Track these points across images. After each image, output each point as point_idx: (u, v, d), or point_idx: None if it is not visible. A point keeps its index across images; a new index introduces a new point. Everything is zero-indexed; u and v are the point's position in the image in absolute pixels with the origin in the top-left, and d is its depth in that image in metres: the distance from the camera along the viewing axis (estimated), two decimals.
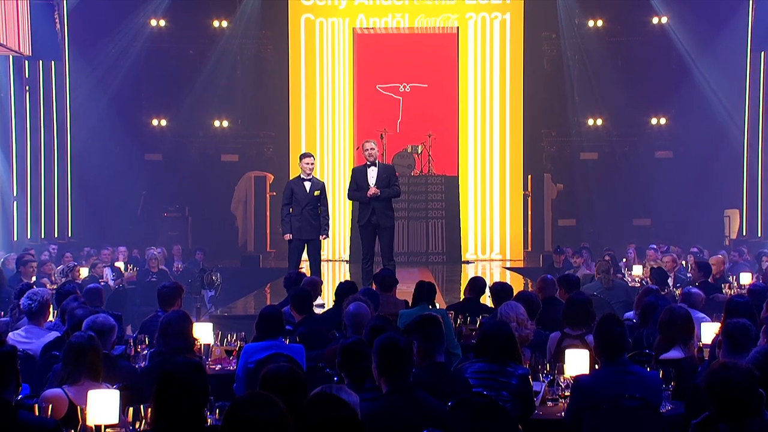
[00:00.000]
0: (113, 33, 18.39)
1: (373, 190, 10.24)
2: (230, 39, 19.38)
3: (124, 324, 8.09)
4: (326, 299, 9.89)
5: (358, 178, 10.50)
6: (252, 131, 19.97)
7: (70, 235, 17.26)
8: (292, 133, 19.18)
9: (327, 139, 19.16)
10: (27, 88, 16.26)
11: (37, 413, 4.18)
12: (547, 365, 5.44)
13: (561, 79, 19.40)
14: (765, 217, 16.75)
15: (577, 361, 5.35)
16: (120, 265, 13.59)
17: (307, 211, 10.52)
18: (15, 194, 15.91)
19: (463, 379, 4.92)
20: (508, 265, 17.54)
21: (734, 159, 17.40)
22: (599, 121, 19.50)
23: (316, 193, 10.60)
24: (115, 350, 5.65)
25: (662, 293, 8.52)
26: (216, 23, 19.52)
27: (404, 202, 15.93)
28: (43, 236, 16.39)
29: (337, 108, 19.18)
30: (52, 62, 16.68)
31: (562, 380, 5.34)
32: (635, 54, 19.23)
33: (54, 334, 6.39)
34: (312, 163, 10.73)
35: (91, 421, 4.31)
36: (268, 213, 18.84)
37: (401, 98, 18.80)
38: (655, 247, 14.39)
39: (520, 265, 17.43)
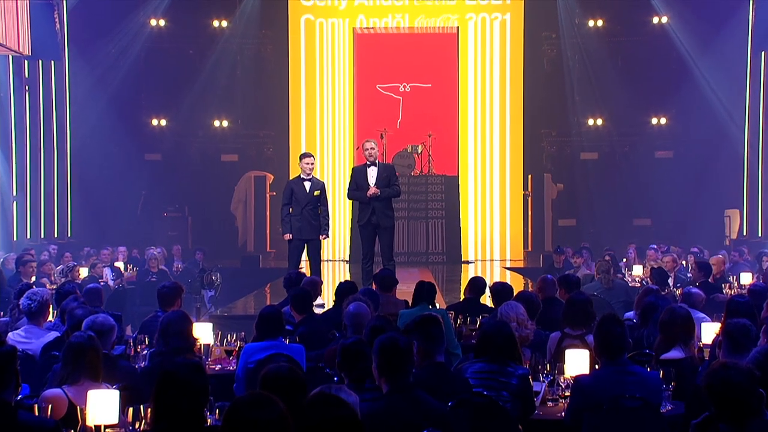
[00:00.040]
0: (113, 33, 18.38)
1: (372, 190, 10.24)
2: (230, 39, 19.38)
3: (123, 324, 8.08)
4: (326, 299, 9.88)
5: (358, 177, 10.49)
6: (252, 131, 19.96)
7: (69, 235, 17.25)
8: (292, 133, 19.17)
9: (327, 139, 19.16)
10: (26, 87, 16.25)
11: (36, 413, 4.17)
12: (548, 365, 5.44)
13: (561, 79, 19.39)
14: (765, 217, 16.74)
15: (577, 361, 5.35)
16: (120, 265, 13.58)
17: (307, 211, 10.51)
18: (14, 194, 15.90)
19: (463, 379, 4.91)
20: (508, 265, 17.53)
21: (734, 159, 17.39)
22: (599, 121, 19.50)
23: (316, 193, 10.59)
24: (115, 350, 5.65)
25: (662, 293, 8.52)
26: (216, 23, 19.52)
27: (404, 202, 15.92)
28: (42, 236, 16.38)
29: (337, 108, 19.17)
30: (52, 62, 16.68)
31: (562, 380, 5.34)
32: (635, 54, 19.23)
33: (54, 334, 6.39)
34: (312, 163, 10.72)
35: (90, 422, 4.30)
36: (268, 213, 18.83)
37: (401, 98, 18.80)
38: (655, 247, 14.38)
39: (520, 265, 17.42)
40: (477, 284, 8.07)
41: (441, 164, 17.34)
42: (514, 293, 7.33)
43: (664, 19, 18.64)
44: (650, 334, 6.41)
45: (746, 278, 10.60)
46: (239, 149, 19.98)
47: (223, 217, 19.57)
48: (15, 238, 15.70)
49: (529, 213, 19.00)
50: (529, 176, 19.04)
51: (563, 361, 5.44)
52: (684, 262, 13.04)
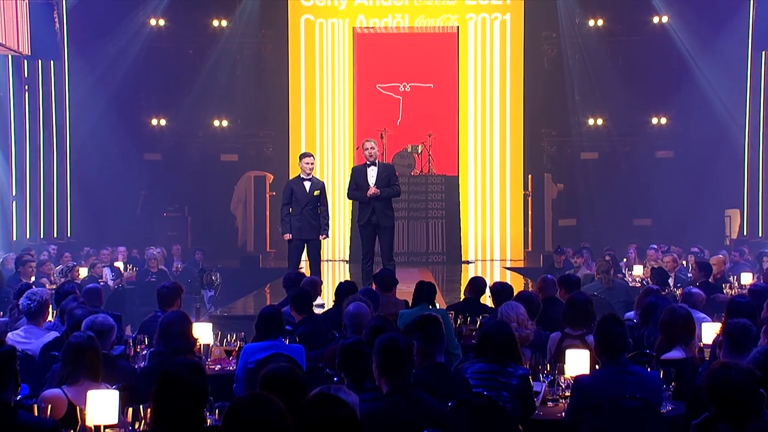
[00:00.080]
0: (113, 32, 18.36)
1: (372, 190, 10.23)
2: (230, 38, 19.37)
3: (123, 324, 8.08)
4: (326, 299, 9.87)
5: (357, 177, 10.48)
6: (252, 131, 19.96)
7: (69, 235, 17.23)
8: (291, 133, 19.17)
9: (327, 139, 19.16)
10: (26, 87, 16.24)
11: (36, 413, 4.16)
12: (548, 365, 5.44)
13: (561, 78, 19.39)
14: (766, 217, 16.72)
15: (577, 362, 5.34)
16: (119, 265, 13.58)
17: (306, 210, 10.50)
18: (14, 194, 15.89)
19: (463, 380, 4.91)
20: (508, 265, 17.52)
21: (735, 159, 17.38)
22: (600, 121, 19.49)
23: (316, 192, 10.58)
24: (115, 350, 5.64)
25: (663, 293, 8.51)
26: (215, 23, 19.51)
27: (404, 202, 15.92)
28: (42, 236, 16.37)
29: (337, 107, 19.17)
30: (51, 62, 16.66)
31: (562, 380, 5.34)
32: (636, 53, 19.23)
33: (53, 334, 6.38)
34: (312, 163, 10.72)
35: (90, 422, 4.30)
36: (267, 213, 18.83)
37: (401, 98, 18.80)
38: (655, 247, 14.37)
39: (521, 265, 17.41)
40: (477, 284, 8.06)
41: (441, 164, 17.34)
42: (515, 293, 7.32)
43: (665, 19, 18.64)
44: (651, 334, 6.41)
45: (747, 278, 10.59)
46: (239, 149, 19.98)
47: (222, 217, 19.57)
48: (14, 238, 15.69)
49: (530, 213, 19.00)
50: (530, 176, 19.03)
51: (563, 362, 5.43)
52: (684, 262, 13.03)
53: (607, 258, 12.64)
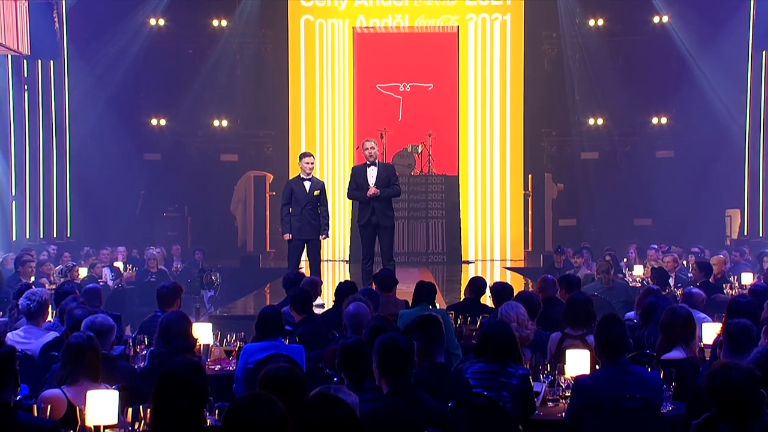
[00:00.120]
0: (112, 32, 18.35)
1: (372, 190, 10.22)
2: (230, 38, 19.37)
3: (123, 324, 8.08)
4: (326, 299, 9.86)
5: (357, 177, 10.48)
6: (251, 131, 19.95)
7: (68, 235, 17.23)
8: (291, 133, 19.16)
9: (327, 139, 19.15)
10: (26, 87, 16.23)
11: (35, 414, 4.16)
12: (548, 365, 5.43)
13: (561, 78, 19.38)
14: (766, 217, 16.72)
15: (577, 362, 5.34)
16: (119, 265, 13.57)
17: (306, 210, 10.49)
18: (13, 194, 15.89)
19: (463, 380, 4.90)
20: (508, 265, 17.52)
21: (735, 158, 17.37)
22: (600, 121, 19.49)
23: (316, 192, 10.58)
24: (114, 350, 5.64)
25: (663, 293, 8.51)
26: (215, 22, 19.51)
27: (404, 202, 15.91)
28: (41, 236, 16.36)
29: (337, 107, 19.17)
30: (51, 61, 16.65)
31: (562, 380, 5.33)
32: (636, 53, 19.22)
33: (53, 335, 6.38)
34: (312, 163, 10.71)
35: (90, 422, 4.29)
36: (267, 213, 18.81)
37: (401, 98, 18.79)
38: (656, 247, 14.37)
39: (521, 265, 17.41)
40: (477, 284, 8.05)
41: (441, 164, 17.33)
42: (515, 293, 7.31)
43: (665, 19, 18.63)
44: (651, 334, 6.41)
45: (747, 278, 10.59)
46: (239, 149, 19.97)
47: (222, 217, 19.56)
48: (14, 238, 15.68)
49: (530, 213, 18.99)
50: (530, 176, 19.03)
51: (564, 362, 5.43)
52: (685, 262, 13.02)
53: (608, 258, 12.63)
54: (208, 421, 3.96)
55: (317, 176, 11.70)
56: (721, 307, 7.13)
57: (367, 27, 19.18)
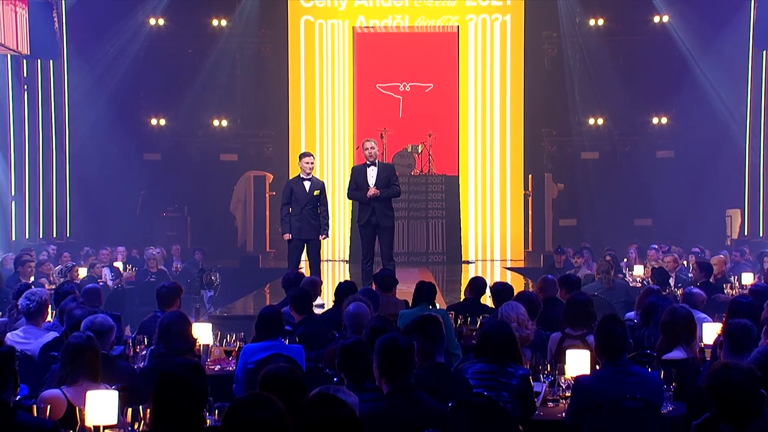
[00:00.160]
0: (112, 32, 18.34)
1: (372, 190, 10.21)
2: (229, 38, 19.36)
3: (122, 324, 8.08)
4: (326, 299, 9.86)
5: (357, 177, 10.47)
6: (251, 131, 19.94)
7: (68, 235, 17.23)
8: (291, 133, 19.16)
9: (327, 139, 19.15)
10: (25, 87, 16.22)
11: (35, 414, 4.15)
12: (548, 366, 5.43)
13: (562, 78, 19.37)
14: (767, 217, 16.72)
15: (577, 362, 5.33)
16: (119, 265, 13.56)
17: (306, 210, 10.49)
18: (13, 194, 15.88)
19: (463, 380, 4.90)
20: (508, 265, 17.51)
21: (736, 158, 17.37)
22: (600, 121, 19.48)
23: (316, 192, 10.57)
24: (114, 351, 5.64)
25: (663, 293, 8.50)
26: (215, 22, 19.50)
27: (404, 202, 15.90)
28: (41, 236, 16.36)
29: (337, 107, 19.16)
30: (51, 61, 16.65)
31: (562, 381, 5.33)
32: (636, 53, 19.21)
33: (52, 335, 6.37)
34: (312, 163, 10.71)
35: (89, 422, 4.29)
36: (267, 213, 18.81)
37: (401, 97, 18.79)
38: (656, 247, 14.36)
39: (521, 265, 17.40)
40: (477, 284, 8.05)
41: (441, 164, 17.33)
42: (515, 293, 7.31)
43: (665, 18, 18.63)
44: (651, 334, 6.40)
45: (747, 278, 10.59)
46: (239, 149, 19.96)
47: (222, 217, 19.55)
48: (13, 238, 15.68)
49: (530, 213, 18.98)
50: (530, 176, 19.02)
51: (564, 362, 5.42)
52: (685, 262, 13.02)
53: (608, 258, 12.62)
54: (208, 421, 3.96)
55: (317, 176, 11.69)
56: (722, 307, 7.13)
57: (367, 27, 19.18)
